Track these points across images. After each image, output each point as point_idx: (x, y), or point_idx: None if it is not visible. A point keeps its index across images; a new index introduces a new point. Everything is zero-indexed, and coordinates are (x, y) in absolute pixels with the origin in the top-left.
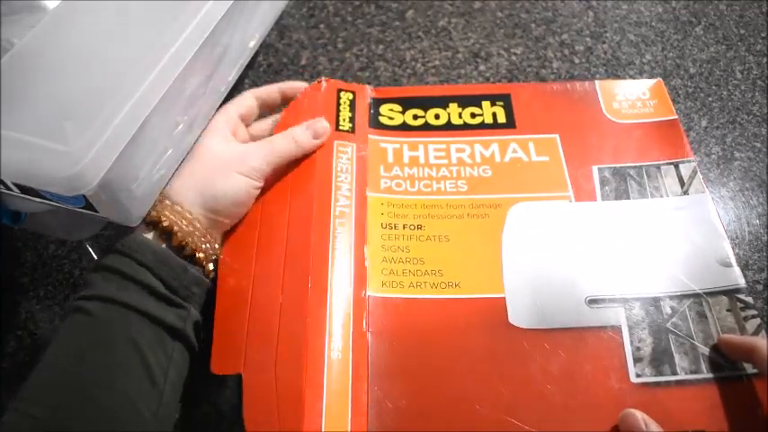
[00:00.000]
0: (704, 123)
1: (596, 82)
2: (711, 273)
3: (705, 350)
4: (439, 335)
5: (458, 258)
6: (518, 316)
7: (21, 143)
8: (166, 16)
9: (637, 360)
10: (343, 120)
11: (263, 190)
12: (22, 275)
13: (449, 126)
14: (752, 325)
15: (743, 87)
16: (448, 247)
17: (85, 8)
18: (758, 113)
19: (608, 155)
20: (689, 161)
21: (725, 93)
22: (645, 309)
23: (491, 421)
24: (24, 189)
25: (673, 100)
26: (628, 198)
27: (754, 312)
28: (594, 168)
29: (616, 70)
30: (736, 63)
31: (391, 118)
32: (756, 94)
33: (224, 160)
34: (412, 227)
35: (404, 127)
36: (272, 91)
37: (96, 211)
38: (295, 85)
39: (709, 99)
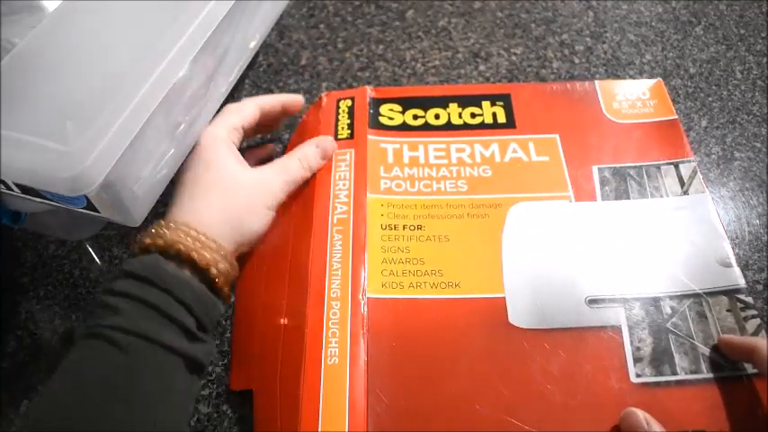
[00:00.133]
0: (704, 123)
1: (596, 82)
2: (711, 273)
3: (705, 350)
4: (439, 335)
5: (458, 258)
6: (518, 316)
7: (22, 143)
8: (168, 16)
9: (637, 360)
10: (342, 128)
11: None
12: (22, 275)
13: (449, 126)
14: (752, 325)
15: (743, 87)
16: (448, 248)
17: (87, 8)
18: (758, 113)
19: (608, 155)
20: (689, 161)
21: (725, 93)
22: (645, 309)
23: (491, 421)
24: (25, 189)
25: (673, 100)
26: (628, 198)
27: (754, 312)
28: (594, 168)
29: (616, 70)
30: (736, 63)
31: (391, 118)
32: (756, 94)
33: (251, 193)
34: (412, 227)
35: (404, 127)
36: (274, 103)
37: (98, 212)
38: (296, 99)
39: (709, 99)
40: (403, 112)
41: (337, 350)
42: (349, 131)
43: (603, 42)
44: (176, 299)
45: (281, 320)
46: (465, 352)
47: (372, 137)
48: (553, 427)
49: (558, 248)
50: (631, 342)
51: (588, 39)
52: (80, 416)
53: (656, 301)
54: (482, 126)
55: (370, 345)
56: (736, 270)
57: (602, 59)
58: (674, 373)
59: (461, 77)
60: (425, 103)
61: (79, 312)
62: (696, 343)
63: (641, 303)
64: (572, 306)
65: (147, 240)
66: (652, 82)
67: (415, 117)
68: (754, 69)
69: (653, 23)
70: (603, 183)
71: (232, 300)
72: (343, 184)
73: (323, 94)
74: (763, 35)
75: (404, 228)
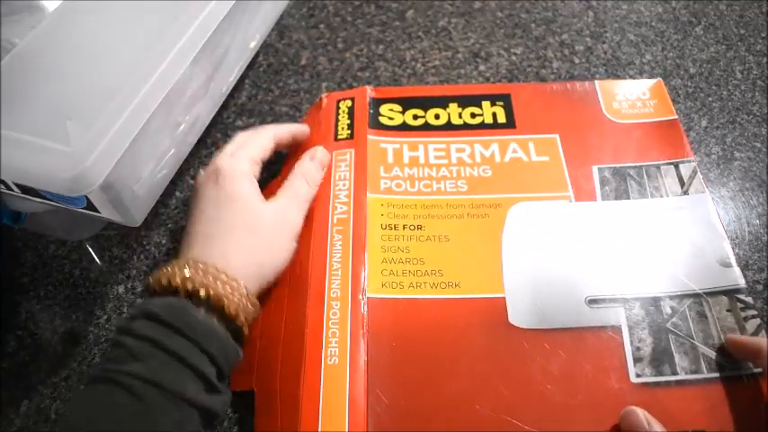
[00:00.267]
0: (704, 123)
1: (596, 82)
2: (711, 273)
3: (705, 350)
4: (439, 335)
5: (458, 258)
6: (518, 316)
7: (22, 143)
8: (168, 17)
9: (637, 360)
10: (342, 128)
11: None
12: (22, 275)
13: (449, 126)
14: (752, 325)
15: (743, 87)
16: (448, 248)
17: (87, 9)
18: (758, 113)
19: (608, 155)
20: (689, 161)
21: (725, 93)
22: (645, 309)
23: (491, 421)
24: (25, 189)
25: (673, 100)
26: (628, 198)
27: (754, 312)
28: (594, 168)
29: (616, 70)
30: (736, 63)
31: (391, 118)
32: (756, 94)
33: (274, 228)
34: (412, 227)
35: (404, 127)
36: (287, 134)
37: (98, 212)
38: (305, 129)
39: (709, 99)
40: (403, 112)
41: (337, 350)
42: (349, 131)
43: (603, 42)
44: (202, 349)
45: (282, 320)
46: (465, 352)
47: (372, 137)
48: (553, 426)
49: (558, 248)
50: (631, 342)
51: (588, 39)
52: None
53: (656, 301)
54: (482, 126)
55: (370, 345)
56: (736, 270)
57: (602, 59)
58: (674, 373)
59: (461, 77)
60: (425, 103)
61: (79, 312)
62: (696, 343)
63: (641, 303)
64: (572, 306)
65: (176, 281)
66: (652, 82)
67: (415, 117)
68: (754, 69)
69: (653, 23)
70: (603, 183)
71: None
72: (344, 184)
73: (323, 95)
74: (763, 35)
75: (404, 228)
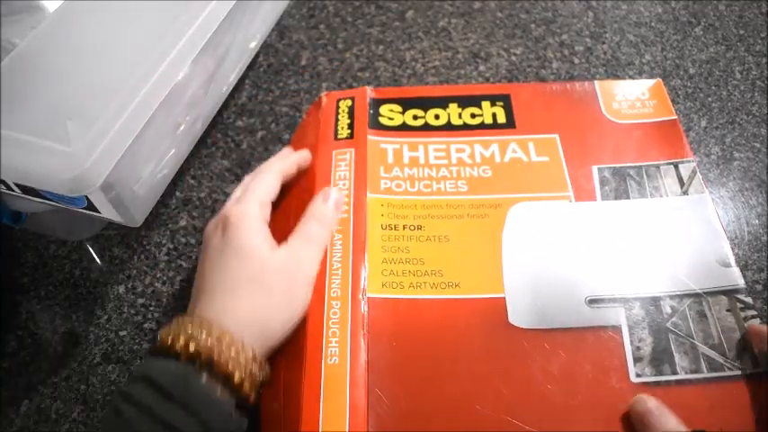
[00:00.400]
0: (704, 123)
1: (596, 82)
2: (711, 273)
3: (705, 350)
4: (439, 335)
5: (458, 258)
6: (518, 316)
7: (23, 143)
8: (169, 17)
9: (637, 360)
10: (341, 127)
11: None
12: (22, 275)
13: (449, 126)
14: None
15: (742, 87)
16: (448, 248)
17: (87, 9)
18: (758, 113)
19: (608, 155)
20: (689, 161)
21: (724, 93)
22: (645, 308)
23: (491, 421)
24: (25, 189)
25: (672, 100)
26: (628, 198)
27: (754, 312)
28: (594, 168)
29: (616, 70)
30: (736, 63)
31: (391, 118)
32: (756, 94)
33: (286, 278)
34: (412, 227)
35: (404, 127)
36: (292, 167)
37: (98, 212)
38: (307, 156)
39: (709, 99)
40: (403, 113)
41: (338, 350)
42: (349, 131)
43: (603, 43)
44: (202, 421)
45: None
46: (465, 352)
47: (372, 137)
48: (553, 426)
49: (558, 248)
50: (631, 342)
51: (588, 39)
52: None
53: (655, 301)
54: (482, 126)
55: (370, 345)
56: (736, 270)
57: (602, 60)
58: (675, 373)
59: (461, 78)
60: (425, 104)
61: (80, 312)
62: (696, 342)
63: (641, 303)
64: (572, 306)
65: (180, 342)
66: (651, 82)
67: (415, 117)
68: (753, 70)
69: (653, 24)
70: (603, 183)
71: None
72: (343, 184)
73: (323, 94)
74: (763, 35)
75: (404, 228)
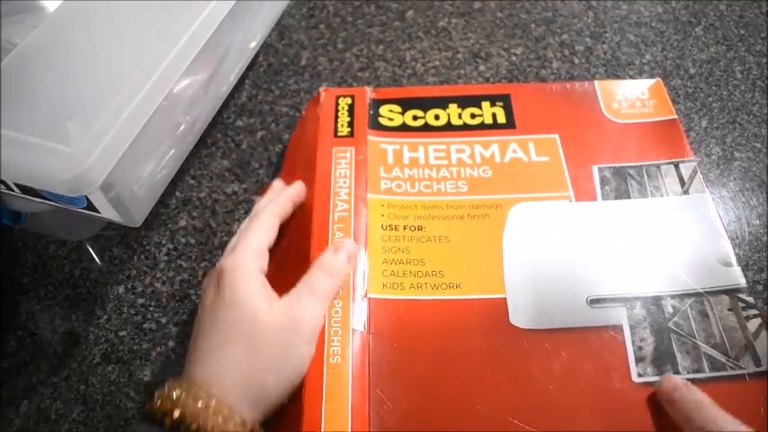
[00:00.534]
0: (704, 123)
1: (596, 82)
2: (712, 272)
3: (707, 349)
4: (440, 336)
5: (458, 259)
6: (519, 316)
7: (23, 143)
8: (169, 17)
9: (638, 360)
10: (341, 125)
11: None
12: (22, 275)
13: (449, 127)
14: (753, 325)
15: (743, 87)
16: (448, 248)
17: (87, 9)
18: (758, 113)
19: (608, 155)
20: (689, 161)
21: (725, 93)
22: (646, 308)
23: (493, 422)
24: (25, 189)
25: (673, 100)
26: (628, 198)
27: (756, 312)
28: (594, 168)
29: (616, 70)
30: (736, 63)
31: (391, 119)
32: (756, 94)
33: (284, 335)
34: (412, 228)
35: (404, 128)
36: (287, 206)
37: (98, 212)
38: (301, 190)
39: (709, 99)
40: (403, 113)
41: (339, 350)
42: (349, 129)
43: (603, 43)
44: None
45: None
46: (466, 353)
47: (372, 138)
48: (555, 427)
49: (558, 248)
50: (633, 342)
51: (588, 39)
52: None
53: (657, 301)
54: (482, 126)
55: (371, 345)
56: (737, 269)
57: (602, 60)
58: (676, 373)
59: (461, 78)
60: (425, 104)
61: (79, 312)
62: (698, 342)
63: (642, 303)
64: (573, 306)
65: (166, 406)
66: (651, 82)
67: (415, 118)
68: (753, 70)
69: (653, 24)
70: (604, 182)
71: None
72: (344, 182)
73: (321, 89)
74: (763, 35)
75: (404, 228)
